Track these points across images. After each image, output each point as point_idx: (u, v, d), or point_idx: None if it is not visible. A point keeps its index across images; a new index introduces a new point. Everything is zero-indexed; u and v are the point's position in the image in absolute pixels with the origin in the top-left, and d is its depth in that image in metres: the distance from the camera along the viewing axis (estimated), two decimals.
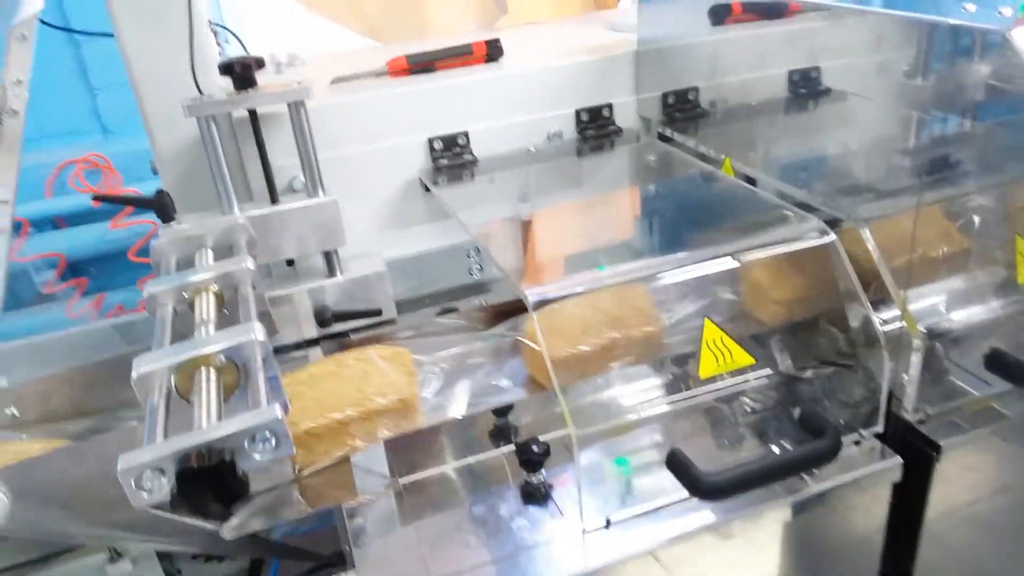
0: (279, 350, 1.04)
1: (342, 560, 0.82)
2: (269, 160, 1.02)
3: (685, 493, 0.73)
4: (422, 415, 0.86)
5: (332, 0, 1.89)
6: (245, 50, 1.23)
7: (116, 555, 0.91)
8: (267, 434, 0.58)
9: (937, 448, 0.79)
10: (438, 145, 1.14)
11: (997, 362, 0.80)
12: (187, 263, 0.91)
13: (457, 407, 0.88)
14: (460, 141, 1.15)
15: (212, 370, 0.66)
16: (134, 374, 0.65)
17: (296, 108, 0.97)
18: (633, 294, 0.85)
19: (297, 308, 1.06)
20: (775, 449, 0.79)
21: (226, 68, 0.92)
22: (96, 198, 0.93)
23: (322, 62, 1.32)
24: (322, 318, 1.06)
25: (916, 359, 0.79)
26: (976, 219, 0.84)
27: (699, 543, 0.75)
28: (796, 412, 0.80)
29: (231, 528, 0.72)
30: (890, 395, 0.81)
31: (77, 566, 0.90)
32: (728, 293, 0.81)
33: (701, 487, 0.71)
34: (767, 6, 1.02)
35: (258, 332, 0.69)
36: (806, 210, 0.86)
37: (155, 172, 1.07)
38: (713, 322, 0.74)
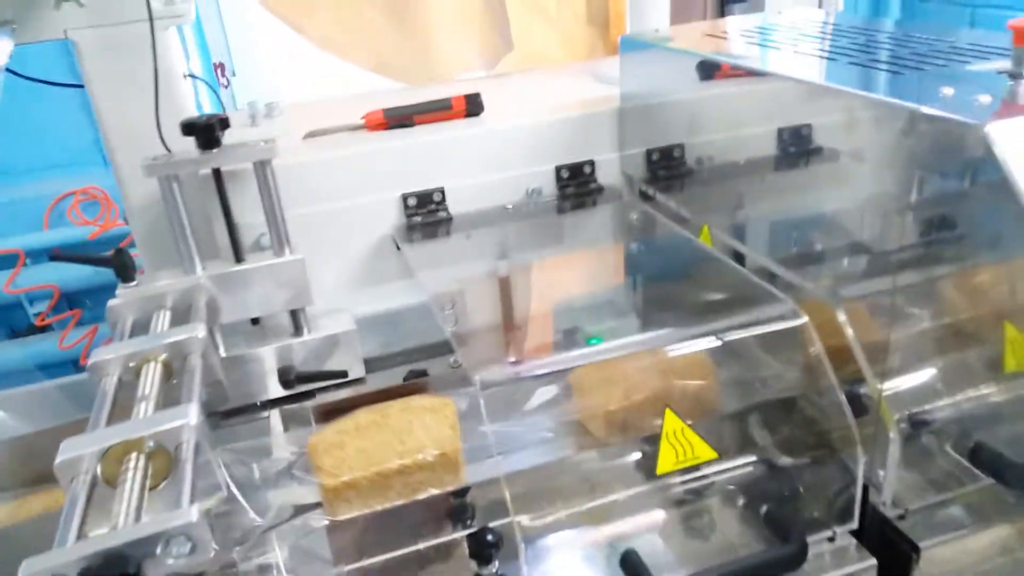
0: (239, 411, 1.01)
1: None
2: (234, 218, 1.00)
3: None
4: (463, 470, 0.82)
5: (342, 37, 1.90)
6: (230, 102, 1.22)
7: None
8: (183, 539, 0.55)
9: (916, 548, 0.74)
10: (412, 202, 1.11)
11: (981, 457, 0.75)
12: (144, 324, 0.89)
13: None
14: (436, 198, 1.12)
15: (142, 456, 0.64)
16: (57, 460, 0.62)
17: (262, 167, 0.95)
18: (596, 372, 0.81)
19: (262, 367, 1.04)
20: (741, 550, 0.74)
21: (188, 128, 0.90)
22: (53, 257, 0.91)
23: (302, 111, 1.30)
24: (286, 379, 1.03)
25: (894, 450, 0.74)
26: (962, 303, 0.80)
27: None
28: (763, 509, 0.75)
29: None
30: (868, 487, 0.76)
31: None
32: (693, 378, 0.77)
33: None
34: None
35: (192, 416, 0.66)
36: (782, 285, 0.82)
37: None
38: (674, 412, 0.70)
